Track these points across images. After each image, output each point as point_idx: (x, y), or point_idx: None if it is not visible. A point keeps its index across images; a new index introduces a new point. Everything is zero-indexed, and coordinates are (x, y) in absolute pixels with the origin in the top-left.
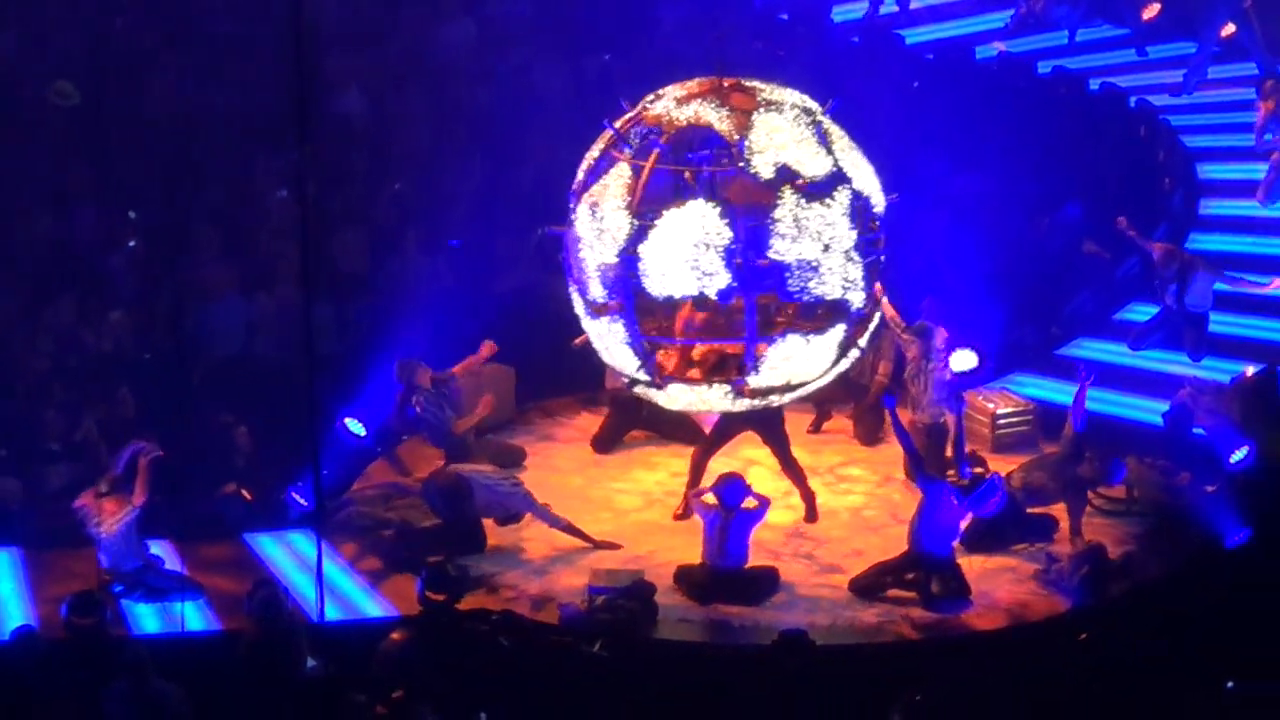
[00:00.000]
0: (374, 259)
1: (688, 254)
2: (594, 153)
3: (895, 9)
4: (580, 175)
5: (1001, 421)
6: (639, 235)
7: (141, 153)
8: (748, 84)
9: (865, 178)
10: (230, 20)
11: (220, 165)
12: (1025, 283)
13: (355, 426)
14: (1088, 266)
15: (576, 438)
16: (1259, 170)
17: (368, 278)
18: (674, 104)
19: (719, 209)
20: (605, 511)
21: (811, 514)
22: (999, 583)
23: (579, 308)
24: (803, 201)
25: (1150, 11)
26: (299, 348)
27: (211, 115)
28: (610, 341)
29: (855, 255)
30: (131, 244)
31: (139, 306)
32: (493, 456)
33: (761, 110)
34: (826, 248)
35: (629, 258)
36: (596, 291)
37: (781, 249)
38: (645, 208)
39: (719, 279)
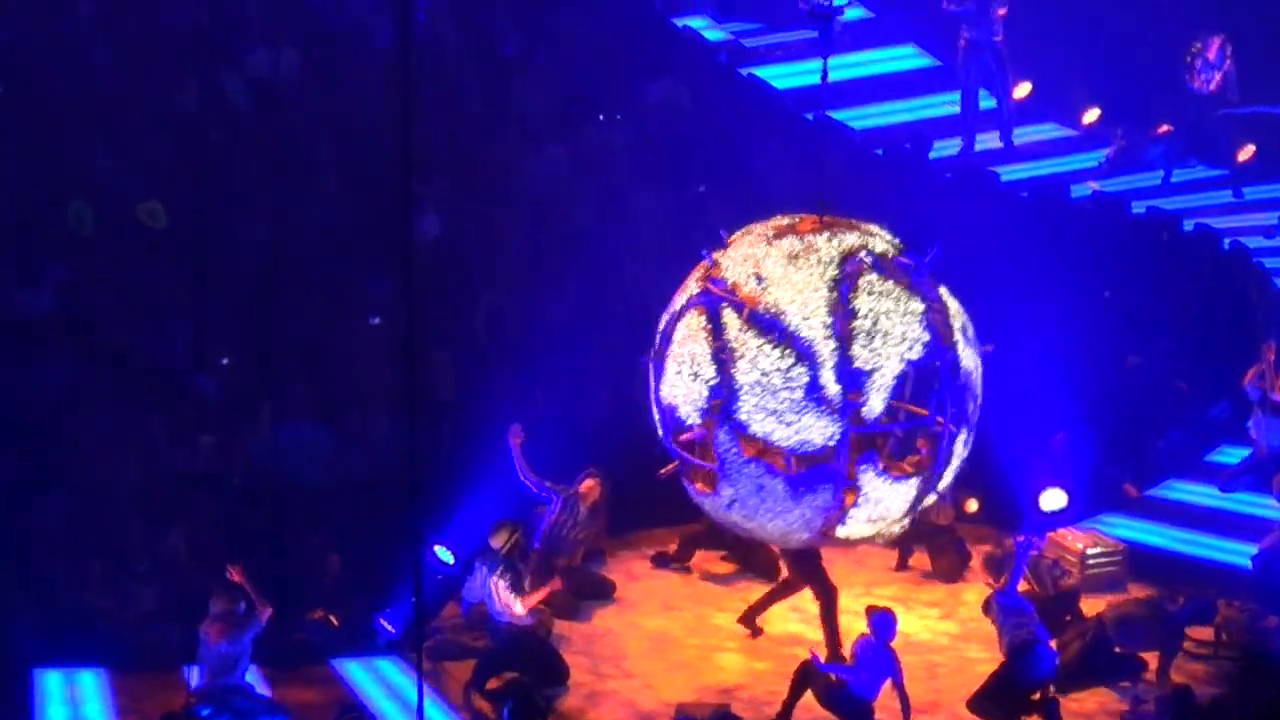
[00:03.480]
0: (463, 381)
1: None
2: (690, 284)
3: (1000, 145)
4: (676, 306)
5: (1090, 561)
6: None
7: (233, 272)
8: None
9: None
10: (328, 142)
11: (312, 287)
12: (1115, 423)
13: (444, 554)
14: (1178, 407)
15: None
16: None
17: (459, 400)
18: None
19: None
20: (692, 640)
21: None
22: None
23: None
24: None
25: (1245, 153)
26: (388, 471)
27: (305, 236)
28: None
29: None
30: (224, 362)
31: (229, 426)
32: (581, 587)
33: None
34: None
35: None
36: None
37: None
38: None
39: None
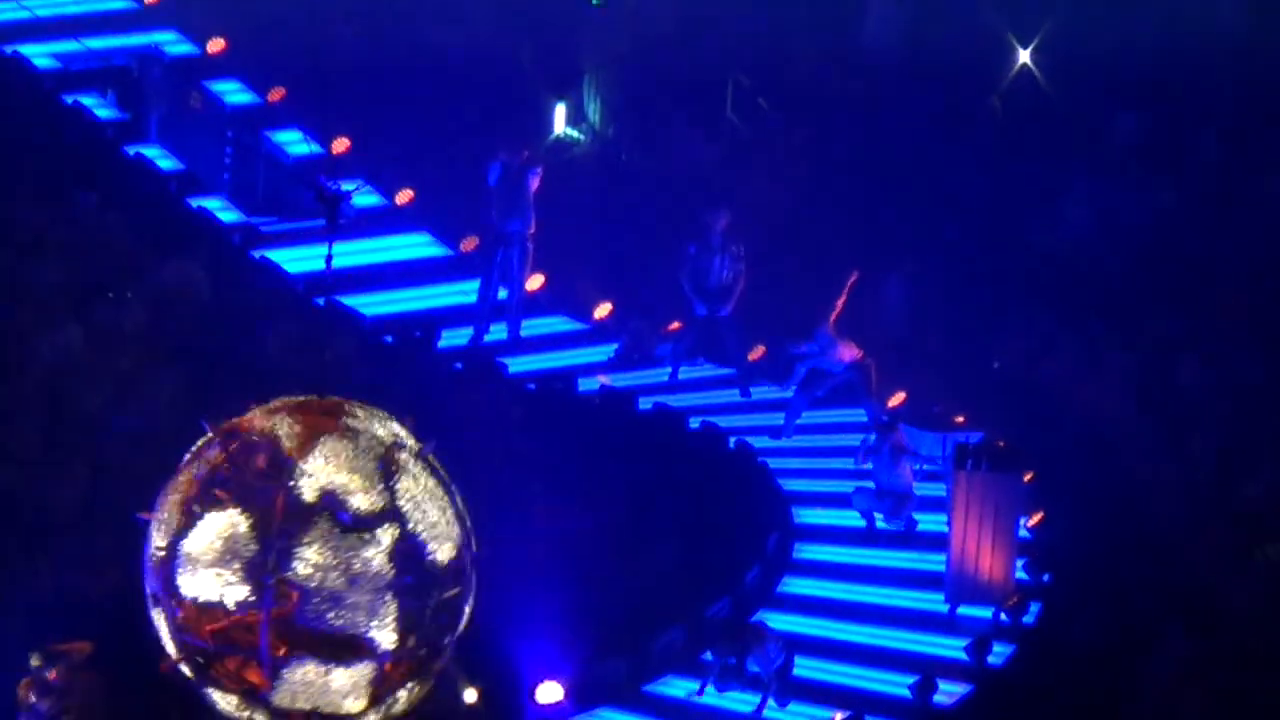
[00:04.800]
0: None
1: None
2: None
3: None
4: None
5: None
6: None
7: None
8: (347, 407)
9: (430, 520)
10: None
11: None
12: (610, 620)
13: None
14: (677, 603)
15: None
16: (854, 518)
17: None
18: (261, 414)
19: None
20: None
21: None
22: None
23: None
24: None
25: (755, 353)
26: None
27: None
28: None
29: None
30: None
31: None
32: None
33: (334, 436)
34: (353, 581)
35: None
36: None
37: (302, 573)
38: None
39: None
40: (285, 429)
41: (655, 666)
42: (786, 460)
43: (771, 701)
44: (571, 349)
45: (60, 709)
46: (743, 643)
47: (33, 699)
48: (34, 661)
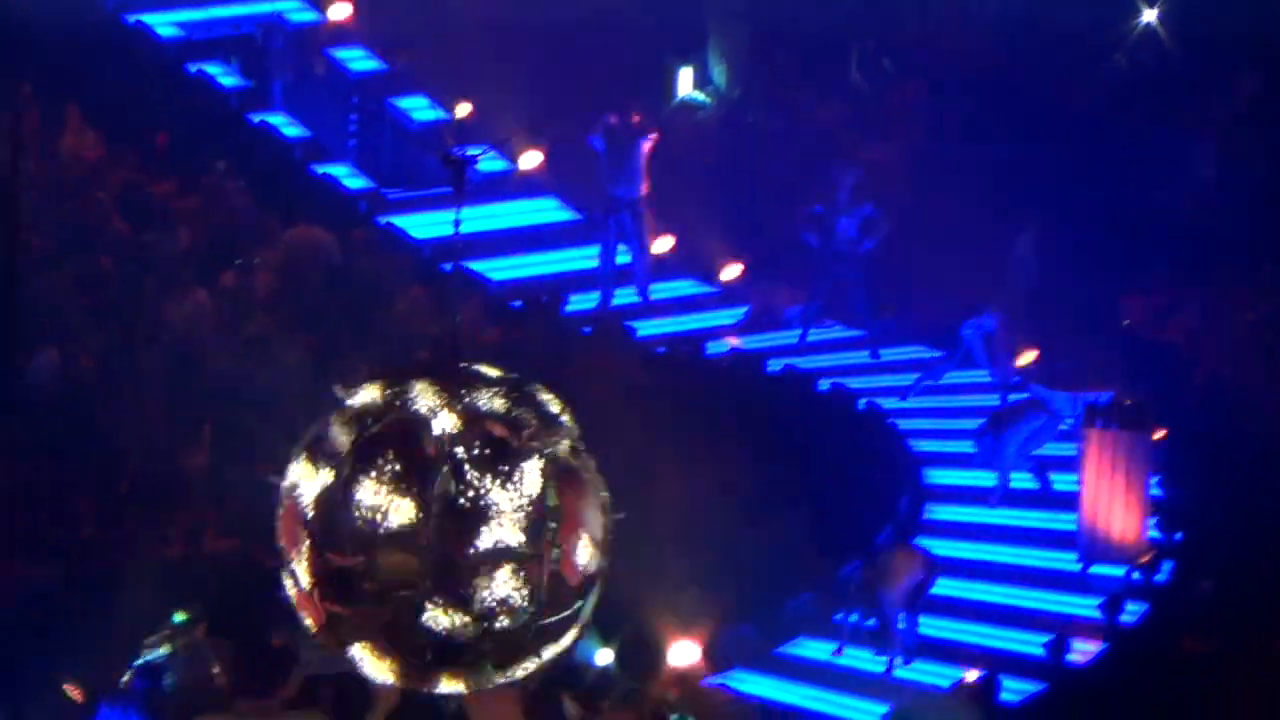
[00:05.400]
0: None
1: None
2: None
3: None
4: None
5: None
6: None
7: None
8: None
9: None
10: None
11: None
12: (742, 583)
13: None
14: (809, 567)
15: None
16: (984, 478)
17: None
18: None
19: None
20: None
21: None
22: None
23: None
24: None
25: (884, 313)
26: None
27: None
28: None
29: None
30: None
31: None
32: None
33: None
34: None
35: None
36: None
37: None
38: None
39: None
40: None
41: (787, 629)
42: (916, 421)
43: (899, 660)
44: (700, 312)
45: (192, 678)
46: (872, 599)
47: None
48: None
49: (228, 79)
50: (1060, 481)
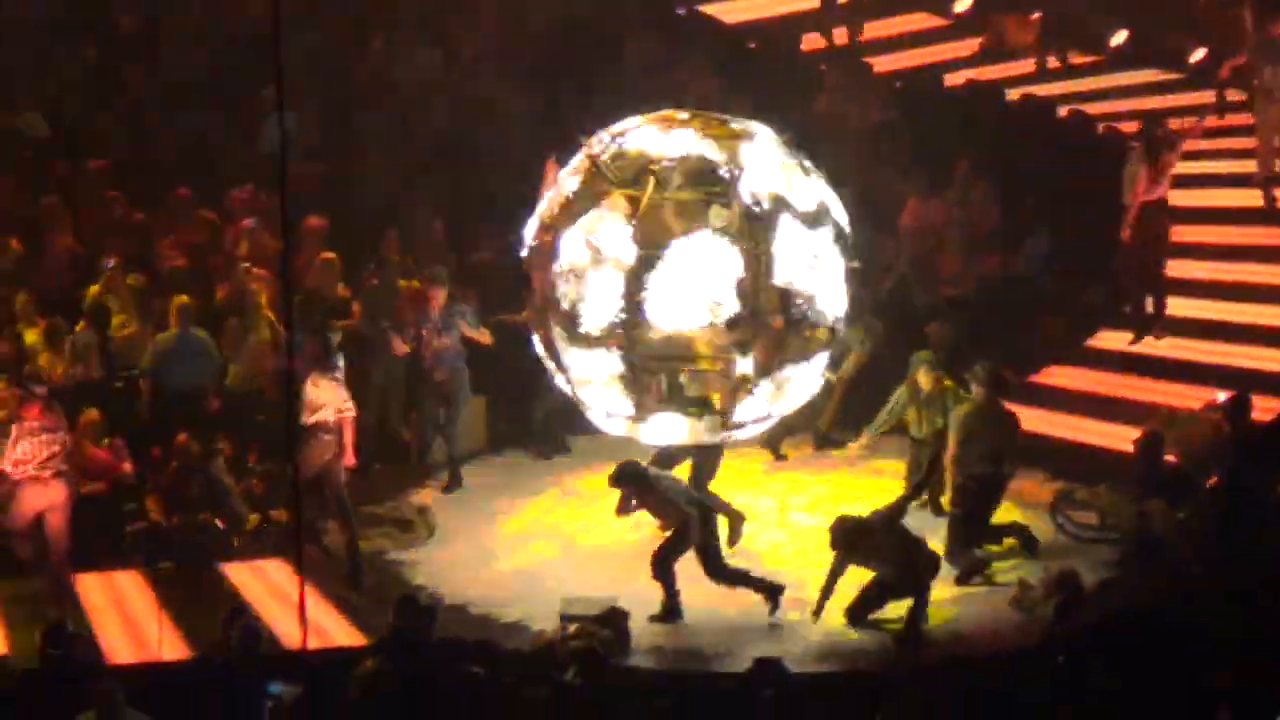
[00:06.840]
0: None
1: (698, 283)
2: (568, 182)
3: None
4: (551, 205)
5: None
6: (646, 265)
7: None
8: (711, 116)
9: (838, 207)
10: None
11: None
12: (993, 311)
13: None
14: (1055, 294)
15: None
16: (1228, 198)
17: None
18: (656, 134)
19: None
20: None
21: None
22: (973, 608)
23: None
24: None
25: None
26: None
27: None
28: (594, 374)
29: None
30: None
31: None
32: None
33: (743, 140)
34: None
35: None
36: (592, 323)
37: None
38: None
39: (727, 306)
40: (706, 146)
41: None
42: None
43: None
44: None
45: None
46: None
47: None
48: None
49: None
50: None
